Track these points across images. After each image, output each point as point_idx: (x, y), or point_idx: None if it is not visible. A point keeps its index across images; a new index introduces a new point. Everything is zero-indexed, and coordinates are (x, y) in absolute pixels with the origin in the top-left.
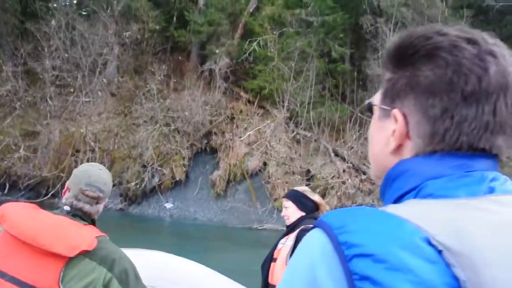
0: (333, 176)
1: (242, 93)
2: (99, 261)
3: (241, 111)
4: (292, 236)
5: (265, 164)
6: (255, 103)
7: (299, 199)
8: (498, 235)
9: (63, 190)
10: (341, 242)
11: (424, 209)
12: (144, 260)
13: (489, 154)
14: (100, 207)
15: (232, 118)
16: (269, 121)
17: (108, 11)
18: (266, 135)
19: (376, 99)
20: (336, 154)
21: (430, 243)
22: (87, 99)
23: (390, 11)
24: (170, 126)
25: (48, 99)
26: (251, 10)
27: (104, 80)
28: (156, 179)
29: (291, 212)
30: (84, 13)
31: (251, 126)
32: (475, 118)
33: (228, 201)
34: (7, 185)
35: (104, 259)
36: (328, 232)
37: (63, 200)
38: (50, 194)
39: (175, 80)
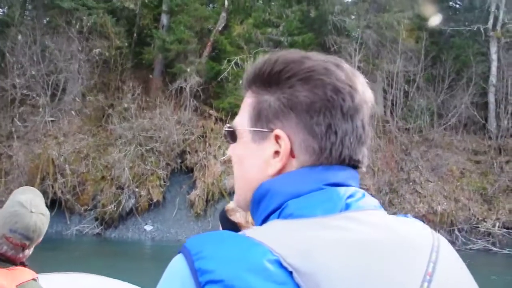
0: None
1: (211, 112)
2: None
3: (212, 130)
4: None
5: None
6: (227, 121)
7: (221, 219)
8: (346, 254)
9: None
10: (196, 268)
11: (280, 230)
12: (79, 285)
13: (351, 166)
14: (28, 252)
15: (204, 137)
16: None
17: (77, 26)
18: None
19: (240, 123)
20: None
21: (281, 265)
22: (51, 119)
23: (355, 33)
24: (145, 146)
25: (10, 119)
26: (219, 28)
27: (72, 98)
28: (133, 201)
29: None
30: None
31: (224, 144)
32: (352, 132)
33: (209, 220)
34: None
35: None
36: (187, 257)
37: None
38: None
39: (147, 99)
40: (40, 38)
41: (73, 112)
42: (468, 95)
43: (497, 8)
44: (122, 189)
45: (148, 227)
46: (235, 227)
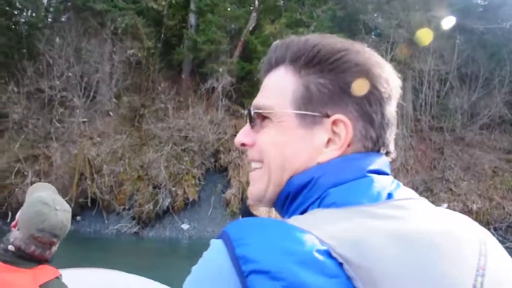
0: None
1: (243, 111)
2: None
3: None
4: None
5: None
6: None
7: (243, 214)
8: (399, 246)
9: (13, 224)
10: (238, 255)
11: (326, 219)
12: (96, 279)
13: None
14: (54, 249)
15: (235, 136)
16: None
17: (112, 28)
18: None
19: (278, 105)
20: None
21: (330, 256)
22: (84, 120)
23: (387, 32)
24: (180, 146)
25: (47, 120)
26: (250, 28)
27: (106, 99)
28: (169, 200)
29: None
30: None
31: None
32: (390, 119)
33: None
34: (10, 214)
35: None
36: (227, 243)
37: (10, 238)
38: None
39: (180, 99)
40: (75, 40)
41: (111, 114)
42: (502, 94)
43: None
44: (159, 188)
45: (185, 226)
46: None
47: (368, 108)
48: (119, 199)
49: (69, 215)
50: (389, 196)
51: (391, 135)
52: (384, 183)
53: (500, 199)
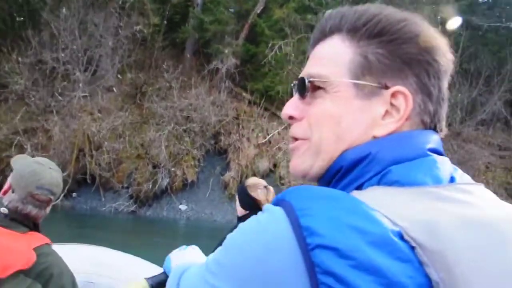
0: None
1: (245, 94)
2: (35, 276)
3: (245, 112)
4: None
5: (274, 166)
6: (261, 105)
7: (240, 194)
8: (472, 232)
9: (3, 190)
10: (303, 225)
11: (394, 198)
12: (82, 256)
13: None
14: (48, 209)
15: (237, 119)
16: (275, 123)
17: (120, 2)
18: (275, 136)
19: (334, 74)
20: None
21: (402, 239)
22: (84, 94)
23: None
24: (181, 126)
25: (47, 93)
26: (258, 11)
27: (108, 74)
28: (167, 180)
29: (237, 206)
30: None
31: (257, 127)
32: (446, 94)
33: None
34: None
35: (40, 274)
36: (289, 211)
37: (4, 202)
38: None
39: (184, 78)
40: (81, 11)
41: (114, 89)
42: (501, 92)
43: None
44: (158, 168)
45: (183, 207)
46: (254, 204)
47: (427, 81)
48: (117, 177)
49: (61, 176)
50: (452, 179)
51: (444, 112)
52: (445, 165)
53: None
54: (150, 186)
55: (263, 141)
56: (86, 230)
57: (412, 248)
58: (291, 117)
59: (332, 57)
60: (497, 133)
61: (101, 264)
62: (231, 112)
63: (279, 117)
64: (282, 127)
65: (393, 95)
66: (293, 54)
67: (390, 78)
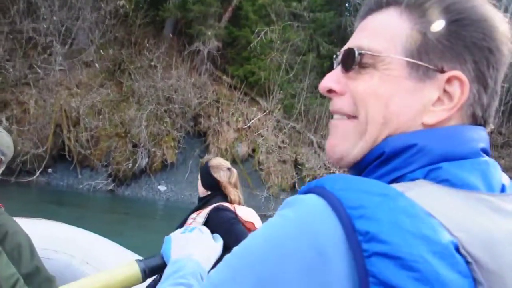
0: (320, 167)
1: (225, 78)
2: None
3: (224, 96)
4: (204, 212)
5: (253, 151)
6: (241, 90)
7: (202, 174)
8: None
9: None
10: (359, 230)
11: (447, 202)
12: (38, 231)
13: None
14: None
15: (217, 102)
16: (255, 109)
17: None
18: (254, 122)
19: (386, 49)
20: (319, 146)
21: (458, 251)
22: (61, 68)
23: None
24: (162, 106)
25: (22, 64)
26: None
27: (87, 49)
28: (146, 160)
29: (199, 185)
30: None
31: (237, 112)
32: (499, 88)
33: None
34: None
35: None
36: (337, 208)
37: None
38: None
39: (165, 58)
40: None
41: (97, 65)
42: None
43: None
44: (138, 147)
45: (162, 188)
46: (216, 185)
47: (486, 70)
48: (95, 155)
49: (11, 140)
50: (503, 187)
51: (495, 107)
52: (497, 169)
53: None
54: (130, 166)
55: (244, 126)
56: (63, 207)
57: (467, 263)
58: (330, 91)
59: (386, 31)
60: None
61: (58, 240)
62: (211, 95)
63: (259, 103)
64: (263, 113)
65: (449, 80)
66: (278, 42)
67: (448, 61)
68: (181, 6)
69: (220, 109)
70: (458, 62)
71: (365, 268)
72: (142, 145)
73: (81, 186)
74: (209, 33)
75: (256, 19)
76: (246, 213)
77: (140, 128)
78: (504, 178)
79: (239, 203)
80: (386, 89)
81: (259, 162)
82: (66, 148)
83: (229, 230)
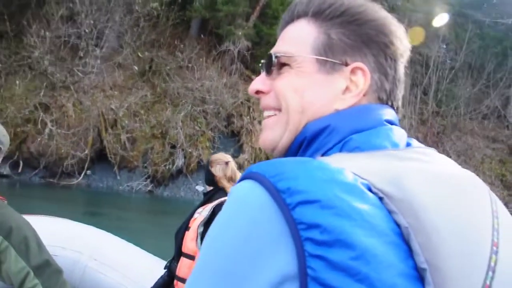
0: None
1: (254, 77)
2: None
3: None
4: (209, 207)
5: None
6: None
7: (205, 170)
8: (432, 184)
9: None
10: (280, 189)
11: (357, 160)
12: (44, 228)
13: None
14: None
15: (248, 101)
16: None
17: None
18: None
19: (298, 51)
20: None
21: (370, 190)
22: (94, 70)
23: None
24: (197, 107)
25: (66, 69)
26: None
27: (122, 52)
28: (183, 160)
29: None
30: None
31: None
32: (401, 76)
33: None
34: (21, 163)
35: None
36: (262, 180)
37: None
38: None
39: (200, 59)
40: None
41: (136, 68)
42: (501, 88)
43: None
44: (174, 148)
45: (200, 188)
46: (212, 179)
47: (384, 61)
48: (132, 156)
49: (5, 130)
50: (408, 144)
51: (400, 92)
52: (401, 132)
53: (488, 185)
54: (167, 166)
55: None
56: (104, 208)
57: (380, 198)
58: (258, 92)
59: (298, 37)
60: (494, 126)
61: (65, 237)
62: (241, 95)
63: None
64: None
65: (353, 71)
66: None
67: (350, 56)
68: (209, 6)
69: (251, 109)
70: (359, 56)
71: (292, 218)
72: (178, 145)
73: (121, 187)
74: (240, 33)
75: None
76: None
77: (176, 128)
78: (412, 140)
79: None
80: (300, 83)
81: None
82: (108, 151)
83: None
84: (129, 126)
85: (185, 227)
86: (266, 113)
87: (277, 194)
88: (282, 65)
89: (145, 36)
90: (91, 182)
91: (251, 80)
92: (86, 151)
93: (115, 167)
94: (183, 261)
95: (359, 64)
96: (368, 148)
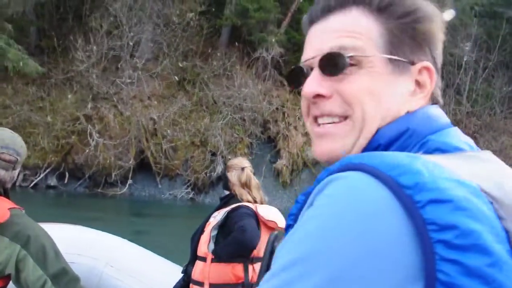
0: None
1: (285, 82)
2: (12, 237)
3: (287, 100)
4: (223, 211)
5: None
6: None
7: (224, 174)
8: None
9: None
10: (404, 184)
11: (450, 161)
12: (62, 235)
13: None
14: (15, 173)
15: (283, 107)
16: None
17: None
18: None
19: (366, 49)
20: None
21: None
22: (130, 80)
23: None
24: (234, 114)
25: (108, 81)
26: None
27: (168, 62)
28: (222, 167)
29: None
30: None
31: (302, 116)
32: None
33: (295, 189)
34: (67, 174)
35: (17, 235)
36: (377, 173)
37: None
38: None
39: (236, 67)
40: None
41: (176, 78)
42: None
43: None
44: (214, 155)
45: None
46: (228, 183)
47: (436, 55)
48: (173, 164)
49: (22, 140)
50: (471, 147)
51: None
52: (462, 134)
53: None
54: (207, 173)
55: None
56: (147, 217)
57: (490, 202)
58: (317, 95)
59: (362, 31)
60: None
61: (81, 243)
62: (275, 101)
63: None
64: None
65: (420, 71)
66: None
67: (415, 53)
68: (241, 14)
69: (286, 114)
70: (422, 54)
71: (422, 218)
72: (218, 153)
73: (163, 196)
74: (273, 39)
75: None
76: (267, 212)
77: (216, 136)
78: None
79: (261, 202)
80: (376, 86)
81: (329, 165)
82: (152, 159)
83: (237, 220)
84: (169, 134)
85: (201, 231)
86: (324, 120)
87: (401, 190)
88: (347, 63)
89: (183, 46)
90: (133, 191)
91: (284, 86)
92: (131, 161)
93: (157, 176)
94: (198, 264)
95: (426, 63)
96: (448, 150)
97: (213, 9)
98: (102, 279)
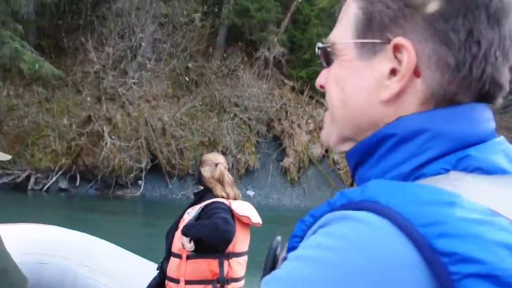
0: None
1: (287, 81)
2: None
3: (289, 99)
4: (198, 207)
5: (326, 151)
6: (305, 92)
7: (196, 169)
8: None
9: None
10: (442, 251)
11: (496, 193)
12: (32, 236)
13: (488, 93)
14: None
15: (285, 106)
16: (322, 110)
17: None
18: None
19: (340, 36)
20: None
21: None
22: (134, 81)
23: None
24: (242, 113)
25: (116, 81)
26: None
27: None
28: (232, 167)
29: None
30: None
31: (305, 114)
32: (499, 43)
33: (303, 187)
34: (78, 177)
35: None
36: (405, 227)
37: None
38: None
39: (241, 66)
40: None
41: (186, 78)
42: None
43: None
44: (224, 154)
45: (251, 193)
46: (201, 179)
47: (443, 25)
48: (182, 164)
49: None
50: None
51: (499, 64)
52: (508, 144)
53: None
54: None
55: (314, 127)
56: (160, 218)
57: None
58: (321, 86)
59: (342, 18)
60: None
61: (54, 244)
62: (278, 100)
63: (324, 105)
64: None
65: (395, 48)
66: None
67: (393, 29)
68: (241, 13)
69: (288, 113)
70: (400, 27)
71: None
72: (228, 152)
73: (174, 196)
74: (275, 39)
75: (317, 23)
76: (241, 208)
77: (223, 135)
78: None
79: (235, 198)
80: (340, 73)
81: (333, 161)
82: (161, 160)
83: (213, 214)
84: (178, 135)
85: (175, 227)
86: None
87: (434, 256)
88: (328, 54)
89: (190, 47)
90: (144, 192)
91: (285, 85)
92: (144, 162)
93: (167, 177)
94: (173, 261)
95: (397, 39)
96: (493, 171)
97: (216, 9)
98: (77, 279)
